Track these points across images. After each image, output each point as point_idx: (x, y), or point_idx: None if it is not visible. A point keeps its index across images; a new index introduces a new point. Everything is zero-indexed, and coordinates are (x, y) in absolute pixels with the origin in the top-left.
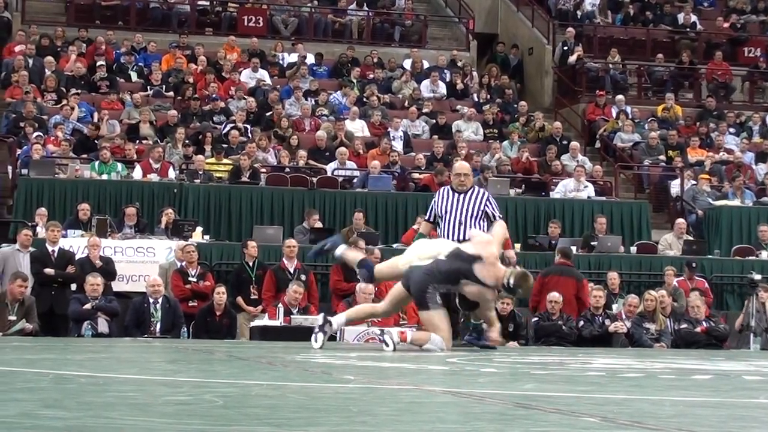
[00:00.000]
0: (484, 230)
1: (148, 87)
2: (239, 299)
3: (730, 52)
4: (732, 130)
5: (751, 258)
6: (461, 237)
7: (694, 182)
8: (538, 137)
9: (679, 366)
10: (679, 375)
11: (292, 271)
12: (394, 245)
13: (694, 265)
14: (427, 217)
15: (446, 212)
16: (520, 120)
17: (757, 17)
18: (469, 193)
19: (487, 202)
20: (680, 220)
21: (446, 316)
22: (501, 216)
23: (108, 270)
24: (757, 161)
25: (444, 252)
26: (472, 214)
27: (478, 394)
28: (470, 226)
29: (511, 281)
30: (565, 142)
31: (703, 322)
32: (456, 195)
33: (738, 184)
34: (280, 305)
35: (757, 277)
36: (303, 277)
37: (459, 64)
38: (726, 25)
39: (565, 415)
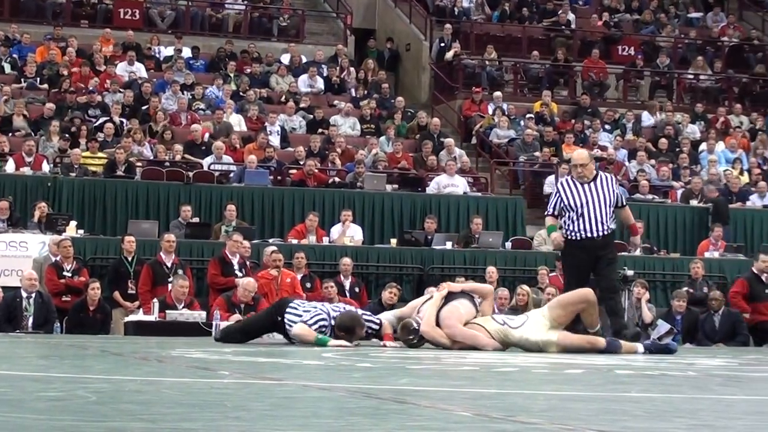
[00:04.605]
0: (611, 217)
1: (22, 79)
2: (116, 294)
3: (604, 50)
4: (607, 127)
5: (623, 254)
6: (600, 229)
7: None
8: (416, 133)
9: (552, 360)
10: (552, 369)
11: (169, 265)
12: (270, 240)
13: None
14: (551, 212)
15: (579, 205)
16: (396, 116)
17: (631, 16)
18: (598, 180)
19: (616, 187)
20: None
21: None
22: (625, 204)
23: None
24: (630, 158)
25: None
26: (606, 202)
27: (353, 389)
28: (608, 215)
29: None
30: (442, 139)
31: None
32: (582, 186)
33: None
34: (155, 300)
35: (630, 272)
36: (180, 272)
37: (337, 59)
38: (600, 23)
39: (439, 409)
